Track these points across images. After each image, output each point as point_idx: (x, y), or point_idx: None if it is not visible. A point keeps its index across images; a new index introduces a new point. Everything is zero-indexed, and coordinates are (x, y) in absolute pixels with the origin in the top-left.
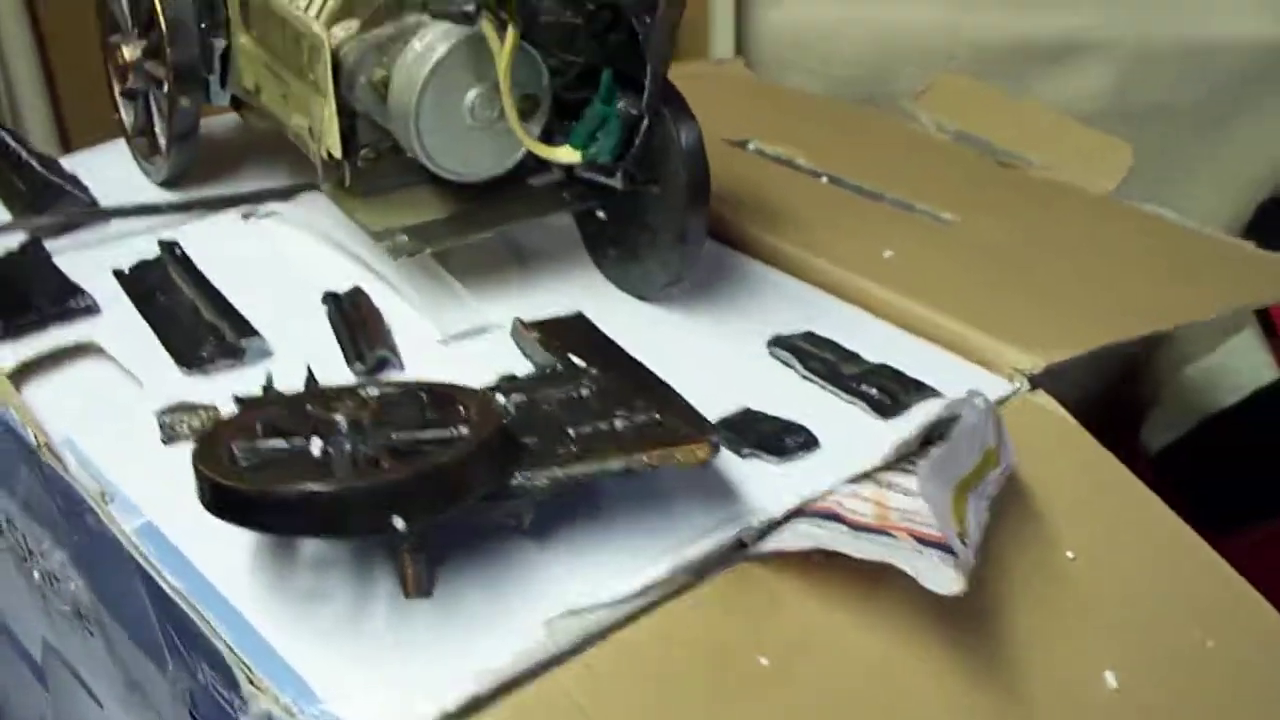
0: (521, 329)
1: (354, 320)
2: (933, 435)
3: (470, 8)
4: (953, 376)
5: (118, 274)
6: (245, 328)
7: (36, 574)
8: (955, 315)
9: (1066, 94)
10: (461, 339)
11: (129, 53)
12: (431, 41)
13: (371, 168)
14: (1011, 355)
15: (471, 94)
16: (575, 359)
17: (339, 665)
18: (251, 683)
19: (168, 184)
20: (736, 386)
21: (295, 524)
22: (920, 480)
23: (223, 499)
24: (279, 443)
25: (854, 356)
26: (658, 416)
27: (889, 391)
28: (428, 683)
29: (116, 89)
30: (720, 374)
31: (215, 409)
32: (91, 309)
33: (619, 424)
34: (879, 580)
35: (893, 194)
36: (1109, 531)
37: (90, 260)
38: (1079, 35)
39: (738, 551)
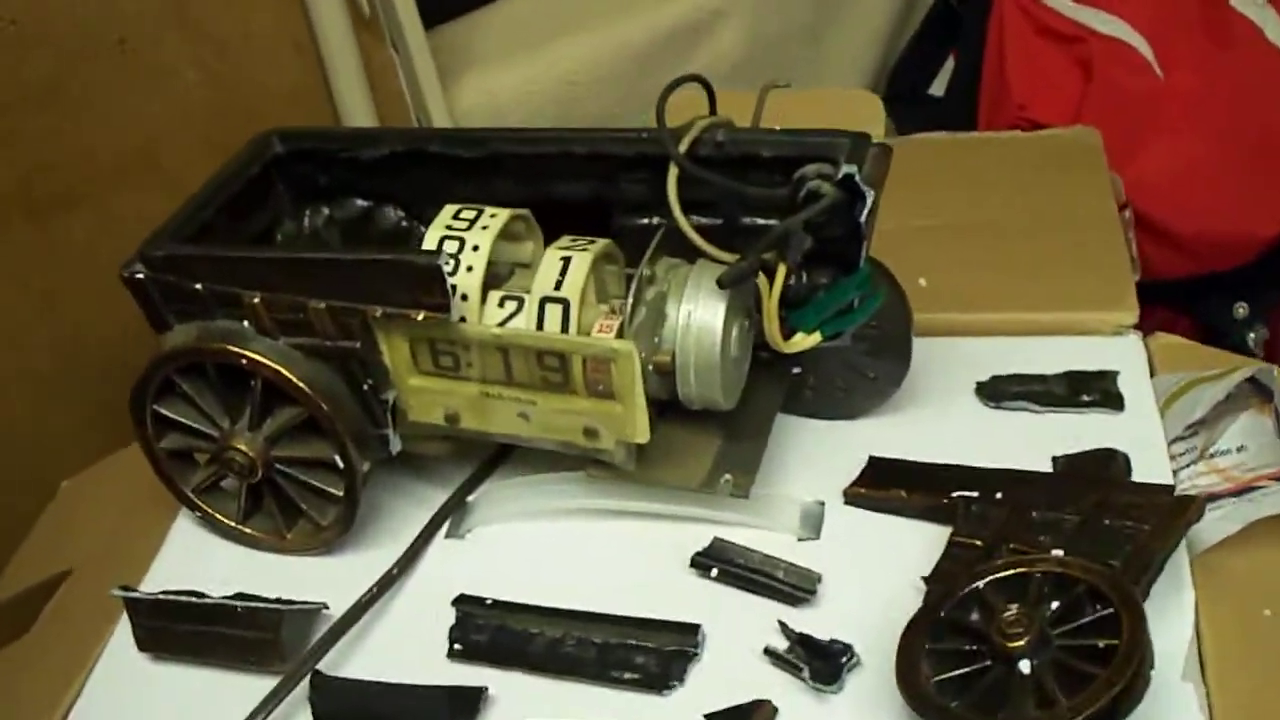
0: (858, 491)
1: (747, 565)
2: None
3: (758, 265)
4: (1099, 354)
5: (459, 651)
6: (670, 631)
7: None
8: (1031, 307)
9: (704, 64)
10: (810, 529)
11: (249, 447)
12: (704, 309)
13: None
14: (1106, 317)
15: (734, 334)
16: (961, 493)
17: None
18: None
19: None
20: (1025, 444)
21: None
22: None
23: None
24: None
25: (1042, 378)
26: (1126, 499)
27: (1104, 392)
28: None
29: (194, 484)
30: (999, 441)
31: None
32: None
33: (1110, 520)
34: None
35: None
36: None
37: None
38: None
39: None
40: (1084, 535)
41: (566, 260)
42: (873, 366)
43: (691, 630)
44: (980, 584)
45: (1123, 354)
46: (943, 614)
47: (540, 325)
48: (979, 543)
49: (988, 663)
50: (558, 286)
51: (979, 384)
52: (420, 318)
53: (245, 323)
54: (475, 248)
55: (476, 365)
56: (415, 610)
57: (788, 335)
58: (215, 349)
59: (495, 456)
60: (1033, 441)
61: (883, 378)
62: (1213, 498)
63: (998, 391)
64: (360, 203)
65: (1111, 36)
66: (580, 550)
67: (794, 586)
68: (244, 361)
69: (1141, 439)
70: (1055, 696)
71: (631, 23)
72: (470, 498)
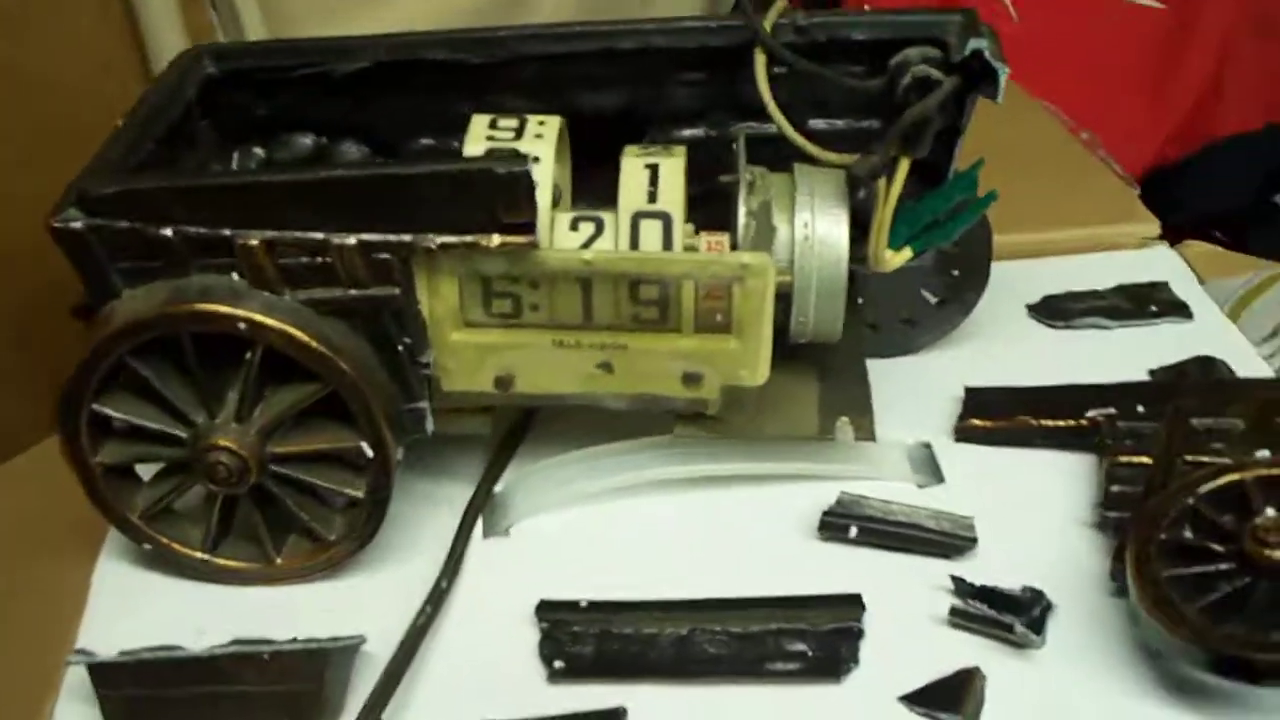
0: (973, 425)
1: (889, 519)
2: None
3: (893, 158)
4: (1136, 268)
5: (561, 670)
6: (825, 607)
7: None
8: (1042, 227)
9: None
10: (929, 473)
11: (239, 445)
12: (825, 220)
13: None
14: (1127, 230)
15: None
16: (1097, 412)
17: None
18: None
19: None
20: (1110, 361)
21: None
22: None
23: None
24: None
25: (1097, 294)
26: None
27: (1166, 302)
28: None
29: (142, 507)
30: (1081, 361)
31: None
32: None
33: None
34: None
35: None
36: None
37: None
38: None
39: None
40: (1259, 437)
41: (653, 168)
42: (947, 290)
43: (852, 602)
44: (1191, 499)
45: (1161, 264)
46: (1162, 536)
47: (634, 247)
48: (1146, 460)
49: (1248, 579)
50: (651, 199)
51: (1030, 306)
52: (496, 244)
53: (235, 275)
54: (535, 160)
55: (545, 307)
56: (478, 631)
57: None
58: (201, 312)
59: (514, 433)
60: (1116, 357)
61: (954, 303)
62: None
63: (1060, 310)
64: (306, 140)
65: None
66: (664, 530)
67: (949, 535)
68: (242, 326)
69: (1225, 345)
70: None
71: None
72: (498, 487)
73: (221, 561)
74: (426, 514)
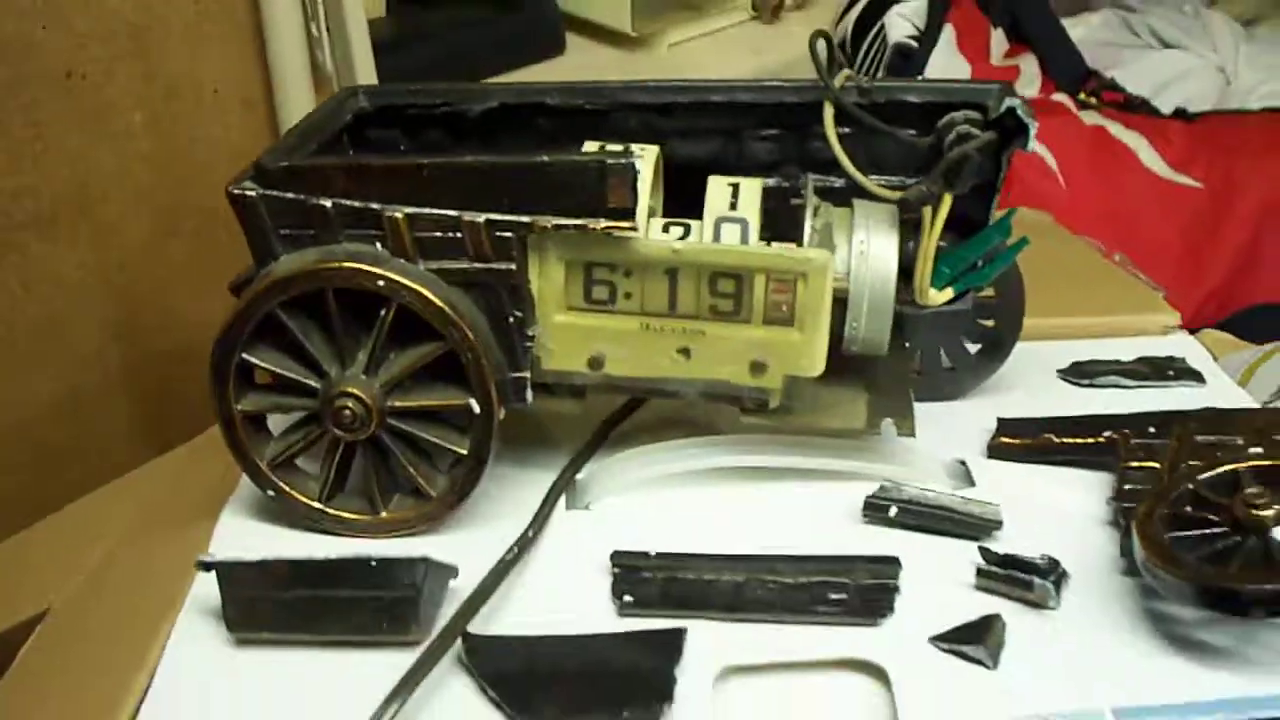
0: (1003, 443)
1: (926, 503)
2: None
3: (939, 190)
4: (1158, 349)
5: (630, 603)
6: (867, 564)
7: None
8: (1076, 313)
9: None
10: (963, 480)
11: (366, 394)
12: (879, 239)
13: None
14: (1151, 319)
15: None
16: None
17: None
18: None
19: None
20: (1117, 408)
21: None
22: None
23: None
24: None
25: (1121, 362)
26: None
27: (1182, 370)
28: None
29: (269, 456)
30: (1103, 411)
31: None
32: None
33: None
34: None
35: None
36: None
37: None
38: None
39: None
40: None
41: (734, 186)
42: (985, 339)
43: (890, 561)
44: (1190, 485)
45: (1180, 346)
46: (1165, 510)
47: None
48: (1155, 465)
49: (1238, 537)
50: (732, 208)
51: (1060, 371)
52: (601, 227)
53: (378, 245)
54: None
55: (636, 295)
56: (558, 575)
57: None
58: (347, 269)
59: (593, 441)
60: (1133, 406)
61: (991, 351)
62: None
63: (1085, 371)
64: None
65: None
66: (725, 510)
67: (977, 518)
68: (380, 284)
69: (1234, 403)
70: None
71: None
72: (580, 475)
73: (334, 511)
74: (514, 494)
